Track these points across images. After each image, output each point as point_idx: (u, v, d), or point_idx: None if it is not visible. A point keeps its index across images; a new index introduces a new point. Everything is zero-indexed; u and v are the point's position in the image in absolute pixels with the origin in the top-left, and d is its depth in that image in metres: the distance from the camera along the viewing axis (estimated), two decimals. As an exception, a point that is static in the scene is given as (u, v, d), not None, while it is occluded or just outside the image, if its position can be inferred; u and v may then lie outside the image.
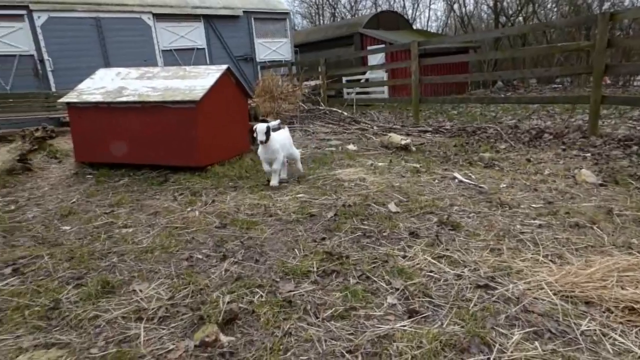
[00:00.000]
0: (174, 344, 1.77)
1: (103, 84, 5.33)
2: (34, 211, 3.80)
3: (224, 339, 1.76)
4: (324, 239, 2.78)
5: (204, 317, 1.92)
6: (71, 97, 5.23)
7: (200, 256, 2.62)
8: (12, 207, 3.94)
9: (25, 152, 5.86)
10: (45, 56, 10.38)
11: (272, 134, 3.97)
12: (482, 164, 4.71)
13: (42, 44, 10.29)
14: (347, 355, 1.64)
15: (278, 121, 4.41)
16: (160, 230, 3.11)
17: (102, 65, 9.06)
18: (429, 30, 25.72)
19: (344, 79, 13.83)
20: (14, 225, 3.42)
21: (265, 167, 4.15)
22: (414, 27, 22.16)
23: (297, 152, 4.51)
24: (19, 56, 10.13)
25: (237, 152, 5.43)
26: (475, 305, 1.93)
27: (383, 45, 14.68)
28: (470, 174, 4.24)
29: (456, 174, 4.20)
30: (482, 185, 3.81)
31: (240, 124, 5.56)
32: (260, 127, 3.85)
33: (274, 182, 4.10)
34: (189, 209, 3.56)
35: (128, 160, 5.04)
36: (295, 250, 2.63)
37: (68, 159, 6.13)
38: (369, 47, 15.22)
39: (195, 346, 1.73)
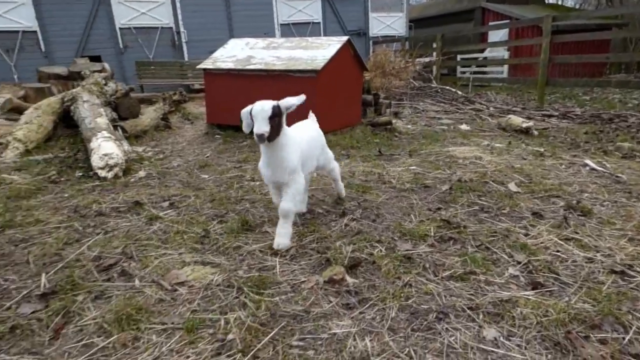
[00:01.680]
0: (305, 277, 2.01)
1: (234, 53, 5.87)
2: (178, 161, 4.44)
3: (349, 279, 1.95)
4: (439, 208, 2.81)
5: (330, 260, 2.13)
6: (207, 64, 5.86)
7: (320, 210, 2.86)
8: (161, 157, 4.65)
9: (166, 113, 6.78)
10: (182, 28, 11.66)
11: (287, 129, 2.21)
12: (620, 154, 4.21)
13: (180, 17, 11.56)
14: (468, 311, 1.70)
15: (300, 97, 2.20)
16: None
17: (227, 38, 9.93)
18: (563, 4, 22.82)
19: (459, 56, 13.13)
20: (165, 170, 4.05)
21: (272, 193, 2.45)
22: (546, 1, 19.85)
23: (334, 162, 2.83)
24: (160, 28, 11.54)
25: (348, 123, 5.61)
26: (608, 288, 1.83)
27: (507, 21, 13.51)
28: (604, 163, 3.84)
29: (587, 161, 3.84)
30: (619, 175, 3.44)
31: (354, 96, 5.71)
32: (259, 108, 2.02)
33: (280, 239, 2.26)
34: (306, 170, 3.84)
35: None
36: (411, 215, 2.72)
37: (198, 121, 6.93)
38: (490, 23, 14.13)
39: (324, 282, 1.94)
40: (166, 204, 3.08)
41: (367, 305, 1.79)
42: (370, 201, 3.00)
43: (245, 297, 1.87)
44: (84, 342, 1.61)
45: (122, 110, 5.58)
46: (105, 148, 3.86)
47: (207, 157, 4.59)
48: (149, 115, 6.15)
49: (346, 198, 3.07)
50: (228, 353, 1.53)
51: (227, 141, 5.30)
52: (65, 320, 1.74)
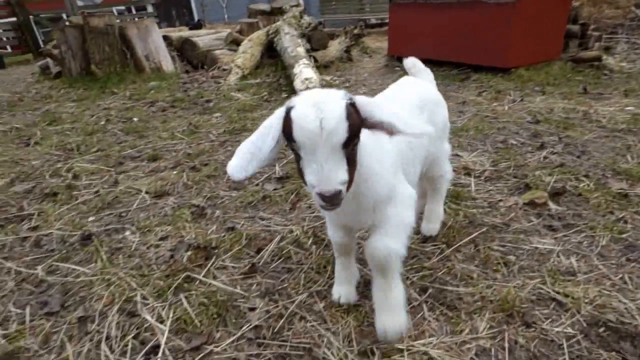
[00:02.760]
0: (502, 197, 2.06)
1: (422, -19, 5.66)
2: (363, 89, 4.74)
3: (552, 205, 1.93)
4: (667, 152, 2.43)
5: (530, 185, 2.12)
6: (394, -5, 5.83)
7: (514, 142, 2.77)
8: (347, 85, 5.02)
9: (348, 46, 7.11)
10: (363, -39, 11.57)
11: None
12: None
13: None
14: None
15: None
16: (472, 115, 3.38)
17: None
18: None
19: None
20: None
21: (336, 241, 1.40)
22: None
23: (447, 163, 1.73)
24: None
25: (545, 57, 4.98)
26: None
27: None
28: None
29: None
30: None
31: (556, 26, 4.98)
32: (315, 101, 0.95)
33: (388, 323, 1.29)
34: (494, 104, 3.68)
35: (433, 56, 5.43)
36: (627, 156, 2.42)
37: (376, 55, 7.08)
38: None
39: (524, 203, 1.97)
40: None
41: (572, 230, 1.77)
42: (573, 137, 2.76)
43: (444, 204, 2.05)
44: (314, 214, 2.05)
45: (313, 42, 6.10)
46: (306, 73, 4.38)
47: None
48: (334, 47, 6.57)
49: (544, 132, 2.88)
50: (433, 243, 1.76)
51: (400, 74, 5.35)
52: (297, 198, 2.22)
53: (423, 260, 1.67)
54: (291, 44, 5.25)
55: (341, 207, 1.00)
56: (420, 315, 1.41)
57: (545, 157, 2.48)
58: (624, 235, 1.70)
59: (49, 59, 6.08)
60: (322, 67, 5.74)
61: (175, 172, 2.63)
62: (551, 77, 4.46)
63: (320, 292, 1.53)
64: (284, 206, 2.15)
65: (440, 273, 1.59)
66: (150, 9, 11.37)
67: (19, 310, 1.52)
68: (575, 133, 2.83)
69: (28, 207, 2.26)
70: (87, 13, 5.78)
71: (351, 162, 0.99)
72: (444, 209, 1.85)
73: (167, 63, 5.72)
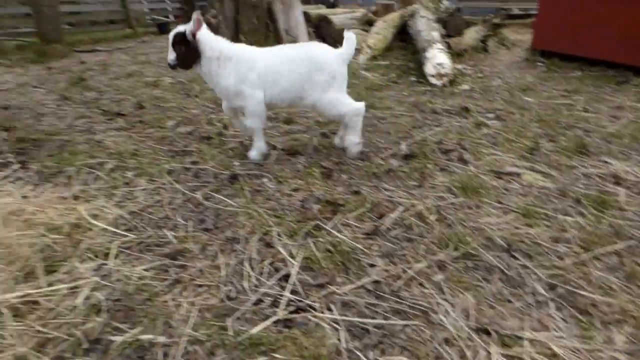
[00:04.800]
0: (658, 213, 1.83)
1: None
2: (497, 81, 4.46)
3: None
4: None
5: (698, 205, 1.84)
6: (551, -17, 5.28)
7: (682, 157, 2.40)
8: (480, 75, 4.77)
9: (485, 35, 6.69)
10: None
11: (221, 44, 2.28)
12: None
13: None
14: None
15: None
16: (627, 122, 2.99)
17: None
18: None
19: None
20: (486, 87, 4.18)
21: (228, 116, 2.61)
22: None
23: (330, 99, 2.33)
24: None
25: None
26: None
27: None
28: None
29: None
30: None
31: None
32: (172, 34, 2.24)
33: (251, 152, 2.48)
34: (661, 114, 3.19)
35: (585, 53, 4.84)
36: None
37: (515, 48, 6.54)
38: None
39: (687, 223, 1.73)
40: (491, 115, 3.25)
41: None
42: None
43: (583, 208, 1.90)
44: (438, 194, 2.07)
45: (449, 28, 5.89)
46: (439, 58, 4.28)
47: (529, 81, 4.40)
48: (470, 35, 6.25)
49: None
50: (567, 245, 1.66)
51: (552, 69, 4.87)
52: (424, 176, 2.25)
53: (553, 259, 1.59)
54: (426, 27, 5.14)
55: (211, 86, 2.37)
56: (544, 310, 1.37)
57: None
58: None
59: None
60: (455, 54, 5.52)
61: (307, 136, 2.85)
62: None
63: (441, 264, 1.57)
64: (408, 182, 2.20)
65: (572, 276, 1.50)
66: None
67: (183, 222, 1.85)
68: None
69: (189, 145, 2.67)
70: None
71: (180, 54, 2.23)
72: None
73: (304, 38, 6.04)
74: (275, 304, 1.41)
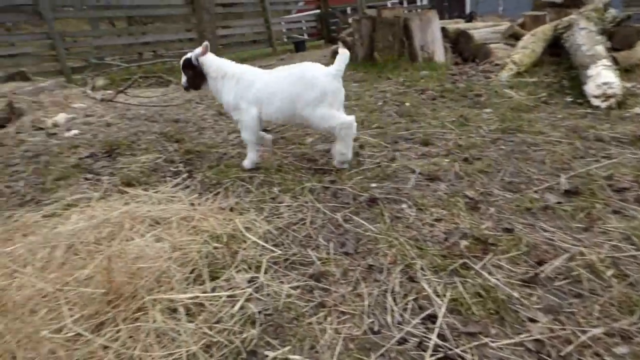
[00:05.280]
0: None
1: None
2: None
3: None
4: None
5: None
6: None
7: None
8: (659, 95, 3.98)
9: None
10: None
11: (218, 64, 2.69)
12: None
13: None
14: None
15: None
16: None
17: None
18: None
19: None
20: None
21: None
22: None
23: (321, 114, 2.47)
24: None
25: None
26: None
27: None
28: None
29: None
30: None
31: None
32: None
33: (244, 162, 2.81)
34: None
35: None
36: None
37: None
38: None
39: None
40: (680, 147, 2.67)
41: None
42: None
43: None
44: (612, 243, 1.74)
45: (615, 41, 5.07)
46: (605, 76, 3.69)
47: None
48: (643, 48, 5.30)
49: None
50: None
51: None
52: (593, 219, 1.93)
53: None
54: (587, 40, 4.51)
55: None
56: None
57: None
58: None
59: (339, 45, 7.17)
60: (622, 70, 4.72)
61: (447, 160, 2.71)
62: None
63: (625, 334, 1.31)
64: (571, 223, 1.91)
65: None
66: (425, 1, 11.83)
67: (324, 243, 1.90)
68: None
69: (327, 164, 2.77)
70: (378, 6, 6.46)
71: (189, 77, 2.71)
72: None
73: (440, 54, 5.86)
74: (421, 346, 1.33)
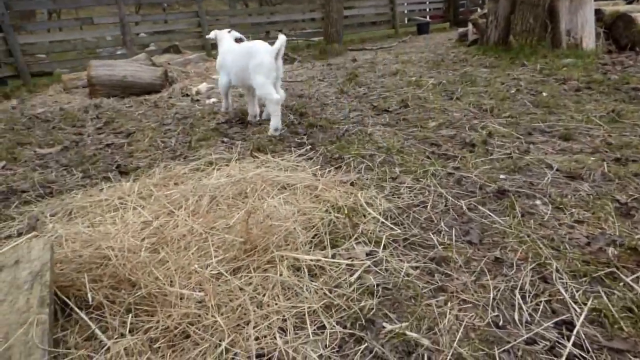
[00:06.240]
0: None
1: None
2: None
3: None
4: None
5: None
6: None
7: None
8: None
9: None
10: None
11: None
12: None
13: None
14: None
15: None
16: None
17: None
18: None
19: None
20: None
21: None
22: None
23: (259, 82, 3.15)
24: None
25: None
26: None
27: None
28: None
29: None
30: None
31: None
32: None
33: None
34: None
35: None
36: None
37: None
38: None
39: None
40: None
41: None
42: None
43: None
44: None
45: None
46: None
47: None
48: None
49: None
50: None
51: None
52: None
53: None
54: None
55: None
56: None
57: None
58: None
59: (469, 27, 6.71)
60: None
61: (593, 158, 2.39)
62: None
63: None
64: None
65: None
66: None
67: (446, 228, 1.84)
68: None
69: (451, 150, 2.66)
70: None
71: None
72: None
73: (589, 40, 5.12)
74: (553, 352, 1.23)
